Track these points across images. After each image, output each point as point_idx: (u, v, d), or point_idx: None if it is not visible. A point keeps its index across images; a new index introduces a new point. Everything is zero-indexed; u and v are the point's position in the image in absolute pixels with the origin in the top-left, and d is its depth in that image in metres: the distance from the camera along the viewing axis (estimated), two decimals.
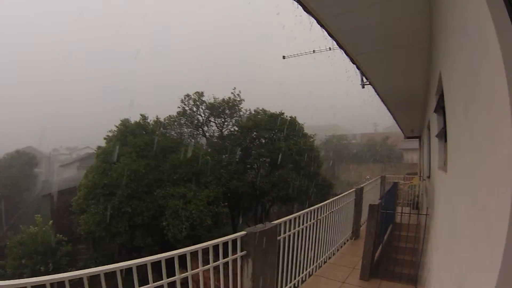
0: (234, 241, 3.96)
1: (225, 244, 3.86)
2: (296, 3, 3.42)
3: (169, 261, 3.37)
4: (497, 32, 1.11)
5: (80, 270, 3.00)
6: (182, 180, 20.38)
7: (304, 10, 3.56)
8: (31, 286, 2.86)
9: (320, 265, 6.91)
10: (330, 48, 17.28)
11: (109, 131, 22.94)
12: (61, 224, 21.53)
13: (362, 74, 6.85)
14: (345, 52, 5.13)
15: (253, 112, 27.59)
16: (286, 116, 26.41)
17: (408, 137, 17.96)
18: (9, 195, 33.40)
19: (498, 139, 1.18)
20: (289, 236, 5.37)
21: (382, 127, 62.72)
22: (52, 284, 2.93)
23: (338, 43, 4.67)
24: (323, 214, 6.74)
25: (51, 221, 20.57)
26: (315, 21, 3.86)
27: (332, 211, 7.24)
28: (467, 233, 1.81)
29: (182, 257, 3.50)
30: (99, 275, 3.11)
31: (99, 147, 22.42)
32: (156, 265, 3.36)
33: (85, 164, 36.78)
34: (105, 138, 22.84)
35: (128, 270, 3.25)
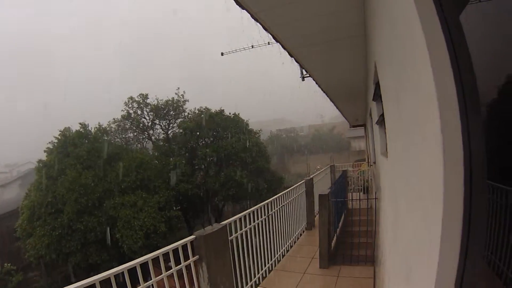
0: (186, 247, 3.90)
1: (178, 250, 3.79)
2: None
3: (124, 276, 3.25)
4: (421, 20, 1.12)
5: None
6: (131, 188, 19.81)
7: (237, 5, 3.52)
8: None
9: (279, 259, 6.98)
10: (268, 42, 17.47)
11: (49, 142, 21.44)
12: (7, 252, 20.07)
13: (301, 67, 6.95)
14: (282, 46, 5.16)
15: (196, 112, 27.45)
16: (230, 113, 26.57)
17: (354, 126, 18.57)
18: None
19: (426, 125, 1.20)
20: (241, 234, 5.36)
21: (329, 118, 64.58)
22: None
23: (274, 37, 4.69)
24: (275, 208, 6.79)
25: None
26: (249, 15, 3.83)
27: (284, 205, 7.32)
28: (407, 219, 1.85)
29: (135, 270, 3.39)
30: None
31: (39, 161, 20.97)
32: (107, 285, 3.22)
33: (28, 182, 34.63)
34: (45, 151, 21.32)
35: None
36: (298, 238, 8.37)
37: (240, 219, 5.28)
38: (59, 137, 21.45)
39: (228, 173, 23.23)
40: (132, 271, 3.26)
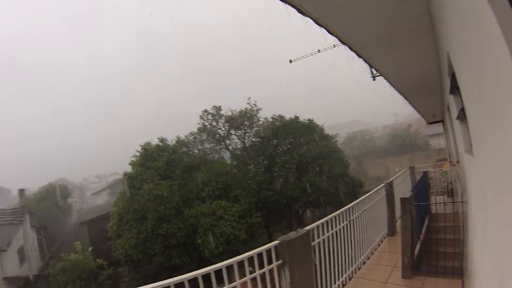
0: (270, 251, 3.96)
1: (262, 254, 3.87)
2: (288, 6, 3.42)
3: (207, 278, 3.40)
4: (493, 8, 1.08)
5: None
6: (211, 197, 20.46)
7: (299, 12, 3.56)
8: None
9: (359, 266, 6.71)
10: (334, 45, 17.12)
11: (133, 156, 23.33)
12: (100, 250, 22.09)
13: (371, 66, 6.77)
14: (349, 47, 5.08)
15: (269, 120, 27.63)
16: (304, 120, 26.34)
17: (431, 123, 17.47)
18: (47, 226, 34.42)
19: None
20: (323, 240, 5.28)
21: (403, 116, 61.31)
22: None
23: (339, 39, 4.64)
24: (355, 214, 6.59)
25: (91, 248, 21.18)
26: (311, 21, 3.85)
27: (364, 210, 7.04)
28: (497, 218, 1.75)
29: (220, 273, 3.52)
30: None
31: (125, 173, 22.94)
32: (194, 283, 3.39)
33: (115, 190, 38.58)
34: (130, 163, 23.24)
35: None
36: (379, 245, 7.97)
37: (322, 224, 5.25)
38: (141, 151, 23.18)
39: (308, 179, 22.94)
40: (207, 275, 3.41)
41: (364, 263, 6.95)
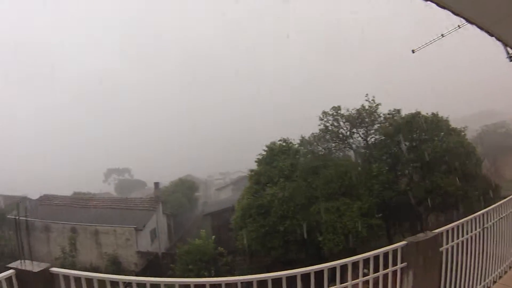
0: (389, 253, 3.68)
1: (378, 258, 3.62)
2: None
3: (318, 276, 3.29)
4: None
5: (237, 276, 3.17)
6: (335, 195, 20.64)
7: None
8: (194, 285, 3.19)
9: (488, 285, 5.79)
10: (459, 25, 15.38)
11: (258, 154, 24.70)
12: (221, 239, 24.02)
13: (505, 45, 5.81)
14: (478, 26, 4.52)
15: (388, 116, 26.29)
16: (427, 113, 24.25)
17: None
18: (176, 214, 39.37)
19: None
20: (452, 247, 4.80)
21: None
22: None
23: (467, 20, 4.06)
24: (491, 221, 5.74)
25: (214, 236, 23.64)
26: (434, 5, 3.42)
27: (501, 217, 6.04)
28: None
29: (333, 271, 3.38)
30: (251, 282, 3.21)
31: (251, 170, 24.37)
32: (305, 280, 3.30)
33: (238, 187, 41.72)
34: (256, 161, 24.71)
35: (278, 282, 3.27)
36: None
37: (452, 229, 4.79)
38: (266, 150, 24.54)
39: (434, 180, 21.31)
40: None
41: (494, 282, 5.98)
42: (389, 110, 26.42)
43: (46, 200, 34.27)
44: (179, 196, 42.80)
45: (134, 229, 27.42)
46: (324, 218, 19.35)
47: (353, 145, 27.74)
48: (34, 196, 36.28)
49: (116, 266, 25.74)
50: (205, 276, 19.86)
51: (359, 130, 27.12)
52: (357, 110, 26.67)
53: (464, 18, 4.07)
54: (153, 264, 25.45)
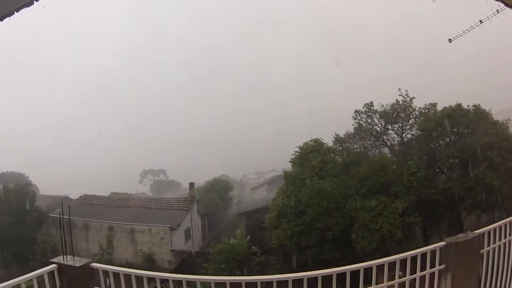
0: (426, 254, 3.58)
1: (415, 259, 3.53)
2: None
3: (353, 276, 3.25)
4: None
5: (272, 275, 3.18)
6: (370, 193, 20.31)
7: None
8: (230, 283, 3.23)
9: None
10: (497, 10, 14.82)
11: (292, 154, 24.92)
12: (254, 238, 23.90)
13: None
14: None
15: (423, 110, 25.40)
16: (468, 106, 22.97)
17: None
18: (210, 213, 39.64)
19: None
20: (494, 249, 4.48)
21: None
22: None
23: (506, 3, 3.85)
24: None
25: (248, 237, 23.49)
26: None
27: None
28: None
29: (367, 272, 3.33)
30: (286, 281, 3.22)
31: (285, 172, 24.74)
32: (340, 280, 3.28)
33: (272, 186, 41.79)
34: (290, 161, 25.03)
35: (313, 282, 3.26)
36: None
37: (494, 230, 4.50)
38: (299, 150, 24.65)
39: (475, 176, 20.29)
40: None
41: None
42: (425, 104, 25.59)
43: (86, 200, 35.89)
44: (213, 196, 43.16)
45: (169, 228, 28.05)
46: (359, 216, 19.21)
47: (388, 142, 27.13)
48: (74, 196, 38.50)
49: (150, 263, 26.49)
50: (237, 275, 20.07)
51: (393, 126, 26.49)
52: (392, 105, 26.04)
53: (503, 1, 3.88)
54: (186, 263, 25.95)
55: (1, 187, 31.24)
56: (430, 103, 25.29)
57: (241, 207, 43.77)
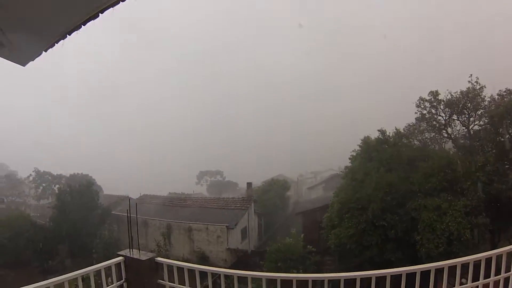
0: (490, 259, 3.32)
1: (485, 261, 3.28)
2: None
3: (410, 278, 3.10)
4: None
5: (323, 274, 3.14)
6: (435, 190, 18.99)
7: None
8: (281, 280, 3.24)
9: None
10: None
11: (352, 151, 24.36)
12: (310, 238, 23.86)
13: None
14: None
15: (496, 97, 23.28)
16: None
17: None
18: (267, 213, 40.47)
19: None
20: None
21: None
22: None
23: None
24: None
25: (303, 235, 23.64)
26: None
27: None
28: None
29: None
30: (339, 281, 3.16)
31: (346, 167, 24.56)
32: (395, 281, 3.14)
33: (330, 185, 42.32)
34: (349, 158, 24.56)
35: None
36: None
37: None
38: (361, 145, 23.95)
39: None
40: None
41: None
42: (499, 91, 23.26)
43: (145, 199, 38.48)
44: (271, 196, 43.89)
45: (226, 227, 28.80)
46: (422, 216, 18.05)
47: (452, 135, 25.47)
48: (135, 196, 41.31)
49: (206, 261, 27.34)
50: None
51: (460, 116, 24.66)
52: (460, 92, 24.15)
53: None
54: (242, 261, 26.39)
55: (69, 188, 33.87)
56: (506, 89, 22.86)
57: (298, 206, 44.23)
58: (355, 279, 3.45)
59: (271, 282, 3.99)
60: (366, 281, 3.40)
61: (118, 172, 73.04)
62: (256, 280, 4.19)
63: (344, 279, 3.47)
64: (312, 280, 3.55)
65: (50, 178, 56.50)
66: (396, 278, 3.30)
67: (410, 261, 17.65)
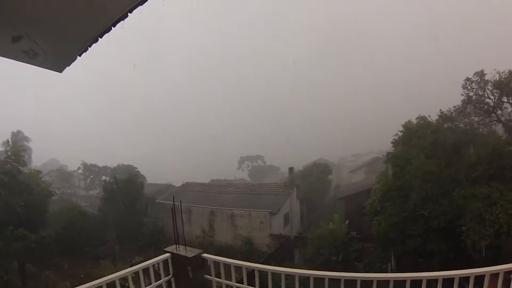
0: None
1: None
2: None
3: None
4: None
5: (358, 273, 3.12)
6: (483, 178, 17.75)
7: None
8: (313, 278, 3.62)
9: None
10: None
11: (394, 135, 23.36)
12: (353, 224, 23.47)
13: None
14: None
15: None
16: None
17: None
18: (309, 198, 40.45)
19: None
20: None
21: None
22: None
23: None
24: None
25: (347, 221, 23.40)
26: None
27: None
28: None
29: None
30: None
31: (388, 153, 23.37)
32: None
33: (372, 168, 42.14)
34: (392, 142, 23.57)
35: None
36: None
37: None
38: (403, 130, 22.82)
39: None
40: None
41: None
42: None
43: (188, 187, 39.33)
44: (312, 180, 43.69)
45: (269, 213, 29.05)
46: (471, 205, 16.94)
47: (502, 118, 23.52)
48: (177, 183, 42.71)
49: (249, 246, 27.93)
50: (333, 261, 20.51)
51: (510, 98, 22.83)
52: (509, 71, 22.28)
53: None
54: (284, 247, 26.49)
55: (114, 178, 35.16)
56: None
57: (339, 191, 43.44)
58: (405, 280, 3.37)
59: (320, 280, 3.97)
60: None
61: (164, 165, 76.17)
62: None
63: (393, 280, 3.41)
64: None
65: (96, 169, 59.88)
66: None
67: (455, 254, 17.11)
